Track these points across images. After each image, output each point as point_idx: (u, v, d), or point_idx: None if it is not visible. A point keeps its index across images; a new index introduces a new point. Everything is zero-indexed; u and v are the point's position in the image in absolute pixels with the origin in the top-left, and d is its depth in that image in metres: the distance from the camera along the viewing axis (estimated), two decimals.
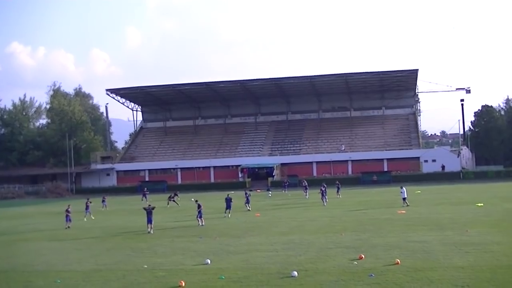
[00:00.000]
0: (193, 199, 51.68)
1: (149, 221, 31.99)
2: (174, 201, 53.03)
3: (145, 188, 63.90)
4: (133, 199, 64.93)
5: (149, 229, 31.82)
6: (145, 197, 59.59)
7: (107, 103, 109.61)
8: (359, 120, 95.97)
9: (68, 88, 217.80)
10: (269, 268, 20.01)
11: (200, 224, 34.18)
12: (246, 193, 45.35)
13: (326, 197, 46.39)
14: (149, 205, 33.44)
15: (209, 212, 41.67)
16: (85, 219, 42.18)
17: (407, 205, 39.86)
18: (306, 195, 54.68)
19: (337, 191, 53.26)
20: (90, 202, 44.73)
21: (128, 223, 38.24)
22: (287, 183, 69.23)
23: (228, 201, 39.60)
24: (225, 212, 39.21)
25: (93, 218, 42.68)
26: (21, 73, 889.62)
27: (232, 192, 66.95)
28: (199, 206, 34.86)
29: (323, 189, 46.04)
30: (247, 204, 43.94)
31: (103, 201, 53.99)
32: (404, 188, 41.52)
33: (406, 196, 40.99)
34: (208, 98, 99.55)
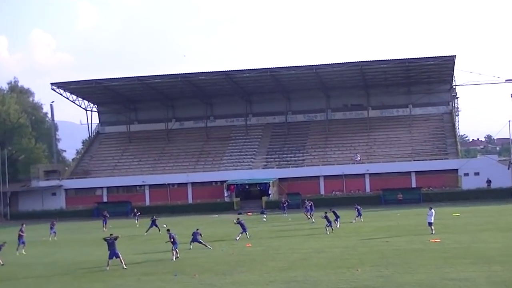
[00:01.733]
0: (164, 226, 51.56)
1: (113, 254, 31.74)
2: (157, 225, 52.78)
3: (105, 211, 63.43)
4: (87, 226, 64.54)
5: (107, 266, 31.57)
6: (104, 223, 59.37)
7: (52, 101, 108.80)
8: (378, 122, 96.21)
9: (0, 81, 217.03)
10: None
11: (173, 257, 33.98)
12: (238, 219, 45.03)
13: (338, 221, 46.74)
14: (111, 234, 33.21)
15: (185, 242, 41.41)
16: (23, 252, 41.80)
17: (432, 233, 39.84)
18: (311, 219, 54.80)
19: (357, 216, 53.39)
20: (22, 233, 43.80)
21: (81, 257, 37.91)
22: (287, 203, 69.04)
23: (196, 235, 39.19)
24: (190, 244, 38.77)
25: (24, 253, 41.99)
26: None
27: (216, 216, 66.95)
28: (170, 237, 34.65)
29: (332, 213, 46.30)
30: (245, 233, 43.54)
31: (51, 227, 53.56)
32: (433, 210, 41.41)
33: (432, 221, 40.86)
34: (185, 94, 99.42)
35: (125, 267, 31.35)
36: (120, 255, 31.92)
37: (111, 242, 32.09)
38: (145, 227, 53.32)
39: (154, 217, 54.72)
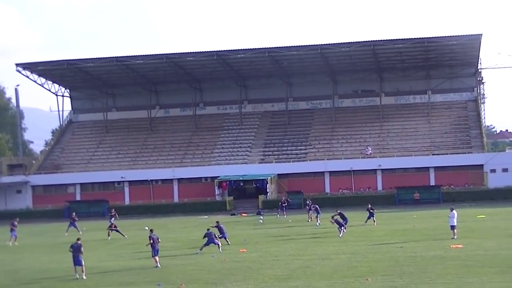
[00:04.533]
0: (147, 227, 51.55)
1: (77, 262, 31.55)
2: (117, 231, 52.77)
3: (74, 213, 62.74)
4: (57, 228, 64.34)
5: (77, 275, 31.41)
6: (74, 226, 58.83)
7: (17, 85, 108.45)
8: (393, 110, 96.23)
9: None
10: None
11: (156, 265, 33.91)
12: (217, 222, 44.98)
13: (344, 228, 46.41)
14: (78, 239, 33.02)
15: (171, 247, 41.29)
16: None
17: (454, 237, 39.88)
18: (317, 221, 54.75)
19: (370, 217, 53.13)
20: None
21: (49, 265, 37.86)
22: (286, 203, 68.66)
23: (210, 235, 38.92)
24: (201, 248, 38.89)
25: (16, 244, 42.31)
26: None
27: (206, 217, 67.02)
28: (151, 239, 34.50)
29: (339, 215, 46.22)
30: (224, 239, 43.63)
31: (11, 229, 53.46)
32: (454, 212, 41.44)
33: (455, 224, 40.90)
34: (171, 78, 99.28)
35: (84, 277, 31.13)
36: (82, 264, 31.53)
37: (76, 248, 31.84)
38: (124, 229, 53.18)
39: (113, 211, 53.83)
